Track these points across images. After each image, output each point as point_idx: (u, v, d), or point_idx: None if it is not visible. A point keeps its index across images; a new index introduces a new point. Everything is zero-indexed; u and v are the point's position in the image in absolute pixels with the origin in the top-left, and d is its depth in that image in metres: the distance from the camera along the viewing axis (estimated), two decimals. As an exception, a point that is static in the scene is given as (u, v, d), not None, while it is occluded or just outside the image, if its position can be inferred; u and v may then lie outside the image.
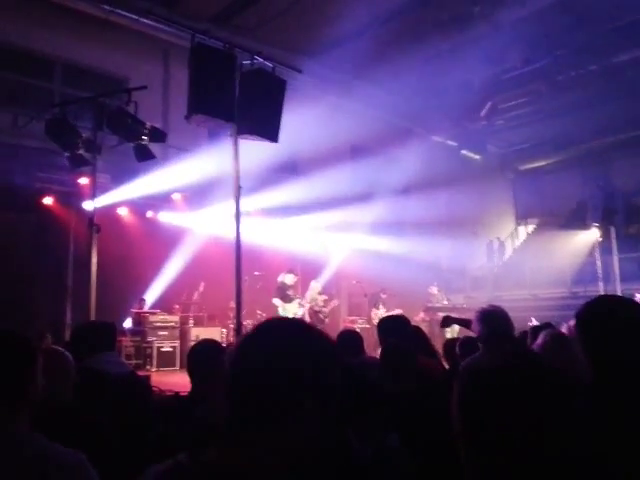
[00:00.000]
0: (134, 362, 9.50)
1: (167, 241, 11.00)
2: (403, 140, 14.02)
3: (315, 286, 11.21)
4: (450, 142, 16.28)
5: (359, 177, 13.49)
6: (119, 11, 10.32)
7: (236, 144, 6.06)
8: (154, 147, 7.68)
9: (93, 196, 7.09)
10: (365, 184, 13.36)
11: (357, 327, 10.45)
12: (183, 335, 10.56)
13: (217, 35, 7.85)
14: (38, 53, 10.65)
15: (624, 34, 11.91)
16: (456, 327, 8.41)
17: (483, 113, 15.12)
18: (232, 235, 5.94)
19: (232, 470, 1.00)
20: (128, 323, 10.46)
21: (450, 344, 4.63)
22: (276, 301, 10.26)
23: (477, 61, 11.94)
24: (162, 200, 10.80)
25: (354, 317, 13.28)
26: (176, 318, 10.75)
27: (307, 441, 1.05)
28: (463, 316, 5.76)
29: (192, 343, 4.56)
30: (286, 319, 1.22)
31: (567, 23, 11.67)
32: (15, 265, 9.41)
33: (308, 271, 12.36)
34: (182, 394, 3.15)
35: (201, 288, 11.19)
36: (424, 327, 7.51)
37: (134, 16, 10.55)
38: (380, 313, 11.41)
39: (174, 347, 10.29)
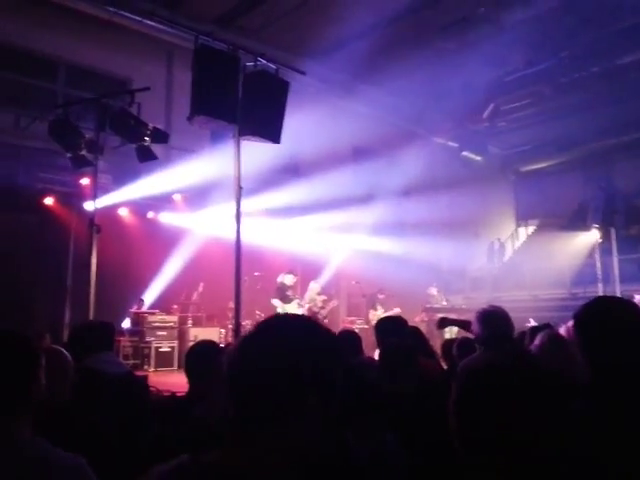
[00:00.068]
0: (132, 362, 9.51)
1: (167, 242, 11.01)
2: (405, 142, 14.03)
3: (314, 287, 11.22)
4: (451, 143, 16.27)
5: (361, 178, 13.49)
6: (122, 12, 10.33)
7: (238, 145, 6.07)
8: (156, 148, 7.69)
9: (94, 197, 7.11)
10: (367, 185, 13.37)
11: (356, 328, 10.44)
12: (181, 335, 10.57)
13: (221, 37, 7.86)
14: (41, 54, 10.69)
15: (627, 36, 11.90)
16: (454, 328, 8.40)
17: (485, 115, 15.12)
18: (232, 236, 5.95)
19: (234, 471, 1.00)
20: (127, 323, 10.47)
21: (448, 345, 4.62)
22: (275, 302, 10.27)
23: (480, 63, 11.94)
24: (163, 201, 10.81)
25: (353, 317, 13.29)
26: (175, 318, 10.76)
27: (309, 440, 1.05)
28: (462, 317, 5.77)
29: (190, 343, 4.57)
30: (287, 315, 1.19)
31: (570, 25, 11.68)
32: (15, 265, 9.43)
33: (308, 272, 12.36)
34: (179, 394, 3.16)
35: (200, 288, 11.20)
36: (423, 328, 7.49)
37: (137, 17, 10.56)
38: (378, 314, 11.39)
39: (172, 347, 10.29)
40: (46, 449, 1.54)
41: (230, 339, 9.65)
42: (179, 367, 9.68)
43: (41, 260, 10.07)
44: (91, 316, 6.58)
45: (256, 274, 11.02)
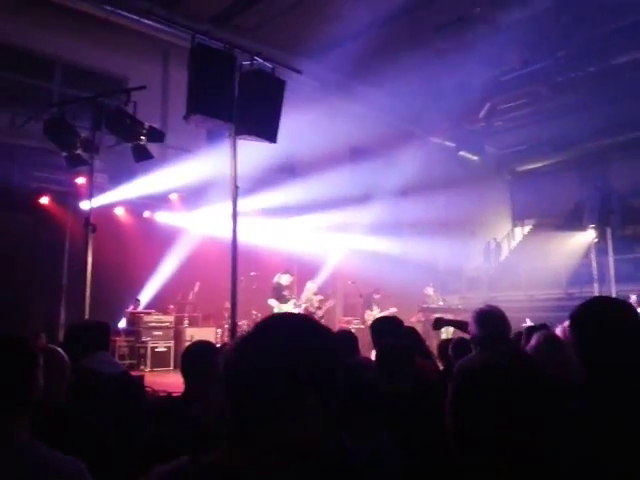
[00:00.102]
0: (128, 362, 9.49)
1: (163, 241, 10.99)
2: (402, 141, 14.05)
3: (311, 287, 11.21)
4: (448, 143, 16.31)
5: (357, 178, 13.50)
6: (119, 11, 10.32)
7: (234, 145, 6.06)
8: (152, 147, 7.67)
9: (90, 196, 7.09)
10: (363, 185, 13.38)
11: (352, 328, 10.44)
12: (177, 335, 10.55)
13: (217, 36, 7.85)
14: (37, 53, 10.64)
15: (623, 36, 11.96)
16: (450, 328, 8.41)
17: (482, 114, 15.16)
18: (228, 235, 5.94)
19: (234, 471, 1.00)
20: (122, 323, 10.44)
21: (445, 345, 4.62)
22: (272, 302, 10.26)
23: (476, 63, 11.95)
24: (159, 200, 10.79)
25: (349, 317, 13.29)
26: (171, 318, 10.73)
27: (308, 440, 1.05)
28: (459, 317, 5.77)
29: (187, 343, 4.57)
30: (286, 315, 1.18)
31: (566, 25, 11.72)
32: (11, 264, 9.40)
33: (305, 272, 12.36)
34: (175, 395, 3.15)
35: (196, 288, 11.18)
36: (419, 328, 7.51)
37: (134, 16, 10.55)
38: (374, 314, 11.40)
39: (168, 347, 10.27)
40: (45, 453, 1.54)
41: (226, 339, 9.64)
42: (175, 367, 9.65)
43: (37, 259, 10.04)
44: (87, 316, 6.56)
45: (252, 274, 11.01)
